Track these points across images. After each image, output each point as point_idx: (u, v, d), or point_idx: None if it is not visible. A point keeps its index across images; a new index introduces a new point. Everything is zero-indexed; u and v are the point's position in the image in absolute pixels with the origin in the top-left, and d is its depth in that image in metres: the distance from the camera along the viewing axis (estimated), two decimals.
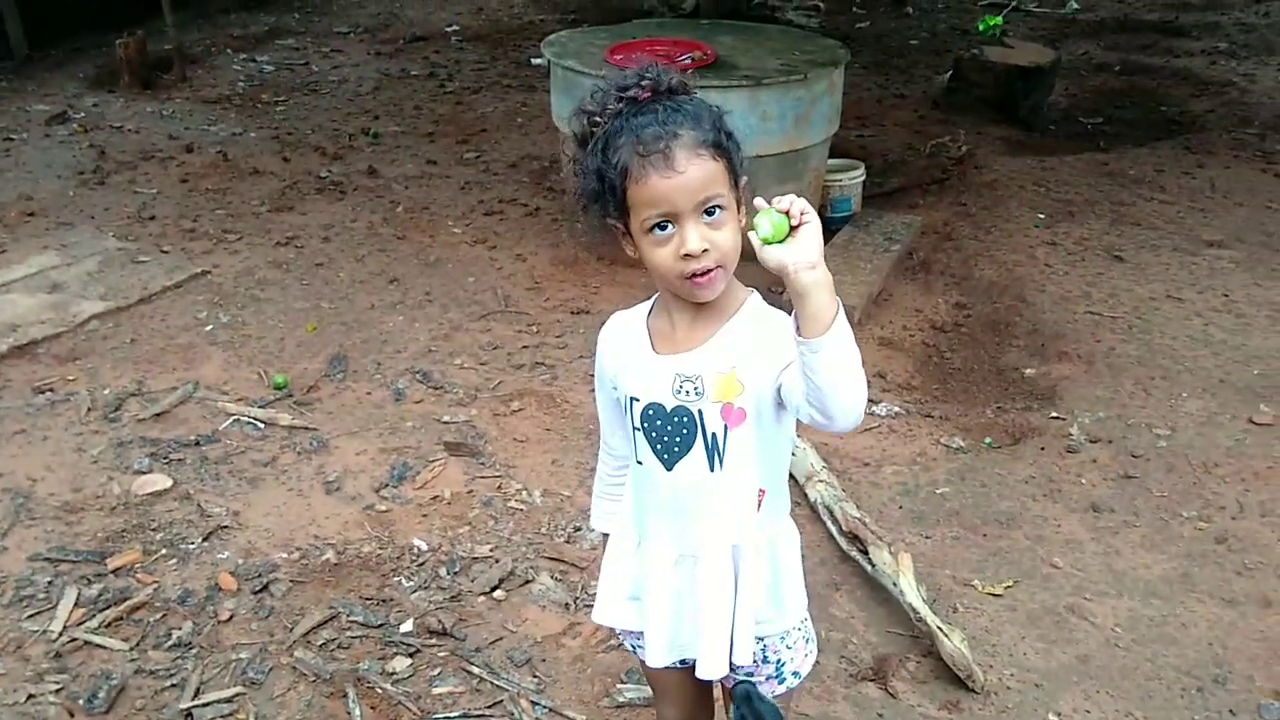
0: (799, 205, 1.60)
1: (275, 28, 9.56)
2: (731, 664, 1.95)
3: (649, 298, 1.95)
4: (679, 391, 1.83)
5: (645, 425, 1.88)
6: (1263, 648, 3.12)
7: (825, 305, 1.57)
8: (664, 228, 1.72)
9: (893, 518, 3.62)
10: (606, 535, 2.15)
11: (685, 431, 1.84)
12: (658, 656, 2.00)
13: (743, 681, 1.95)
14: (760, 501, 1.90)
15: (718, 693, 2.23)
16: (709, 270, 1.73)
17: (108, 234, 5.53)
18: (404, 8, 10.28)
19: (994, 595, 3.30)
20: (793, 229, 1.59)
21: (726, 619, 1.91)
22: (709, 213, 1.71)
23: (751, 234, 1.61)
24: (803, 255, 1.57)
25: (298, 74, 8.35)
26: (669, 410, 1.84)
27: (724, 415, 1.81)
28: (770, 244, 1.59)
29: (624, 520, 2.06)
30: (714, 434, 1.82)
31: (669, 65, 1.81)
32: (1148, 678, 3.01)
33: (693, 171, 1.69)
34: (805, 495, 3.58)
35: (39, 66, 8.27)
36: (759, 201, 1.61)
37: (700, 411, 1.82)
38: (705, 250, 1.71)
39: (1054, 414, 4.17)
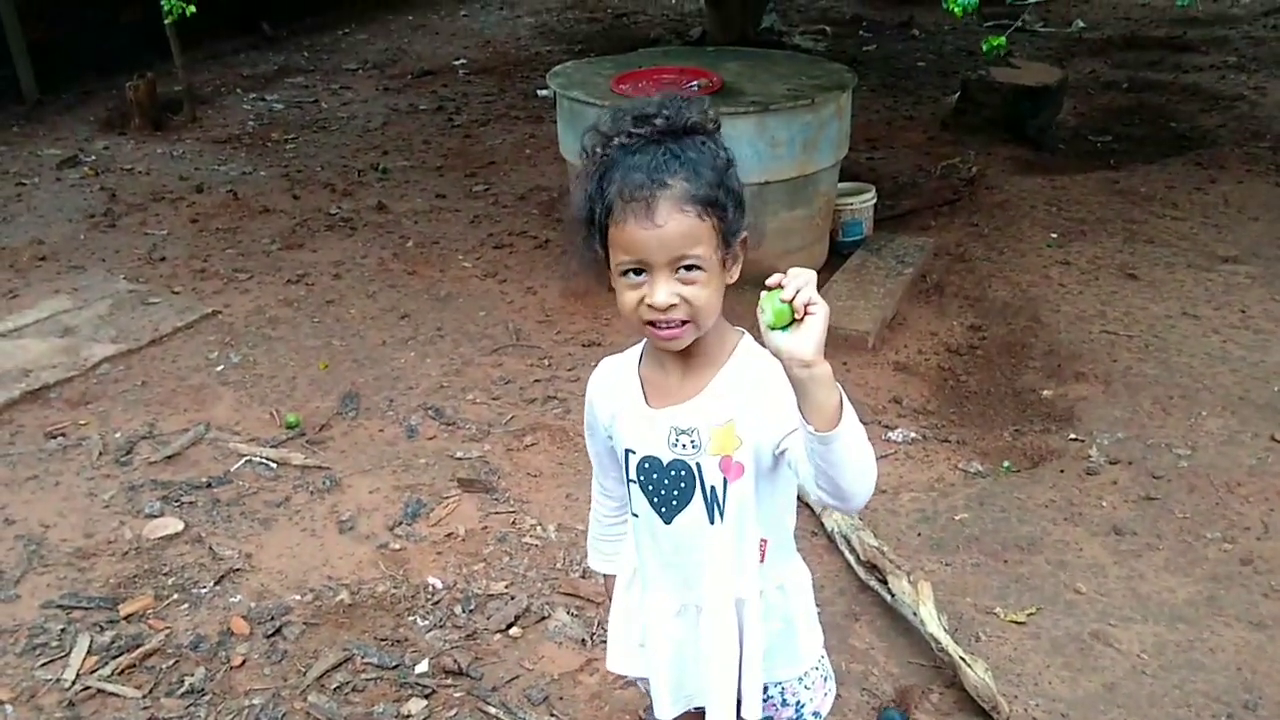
0: (805, 296, 1.48)
1: (284, 66, 9.60)
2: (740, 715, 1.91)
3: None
4: (675, 445, 1.78)
5: (641, 478, 1.84)
6: None
7: (825, 399, 1.49)
8: (638, 274, 1.67)
9: (911, 545, 3.57)
10: (606, 575, 2.12)
11: (683, 485, 1.80)
12: (664, 708, 1.96)
13: None
14: (764, 552, 1.86)
15: None
16: (672, 323, 1.68)
17: (119, 276, 5.54)
18: (411, 43, 10.33)
19: (1016, 623, 3.24)
20: (796, 319, 1.49)
21: (733, 671, 1.87)
22: (685, 268, 1.65)
23: (759, 313, 1.52)
24: (799, 350, 1.47)
25: (307, 112, 8.38)
26: (665, 464, 1.80)
27: (723, 469, 1.77)
28: (773, 329, 1.50)
29: (627, 565, 2.02)
30: (713, 487, 1.79)
31: (691, 99, 1.74)
32: (1176, 705, 2.95)
33: (672, 227, 1.63)
34: (822, 525, 3.55)
35: (49, 110, 8.32)
36: (774, 278, 1.51)
37: (698, 465, 1.78)
38: (673, 306, 1.65)
39: (1073, 435, 4.13)
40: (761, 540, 1.85)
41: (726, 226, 1.68)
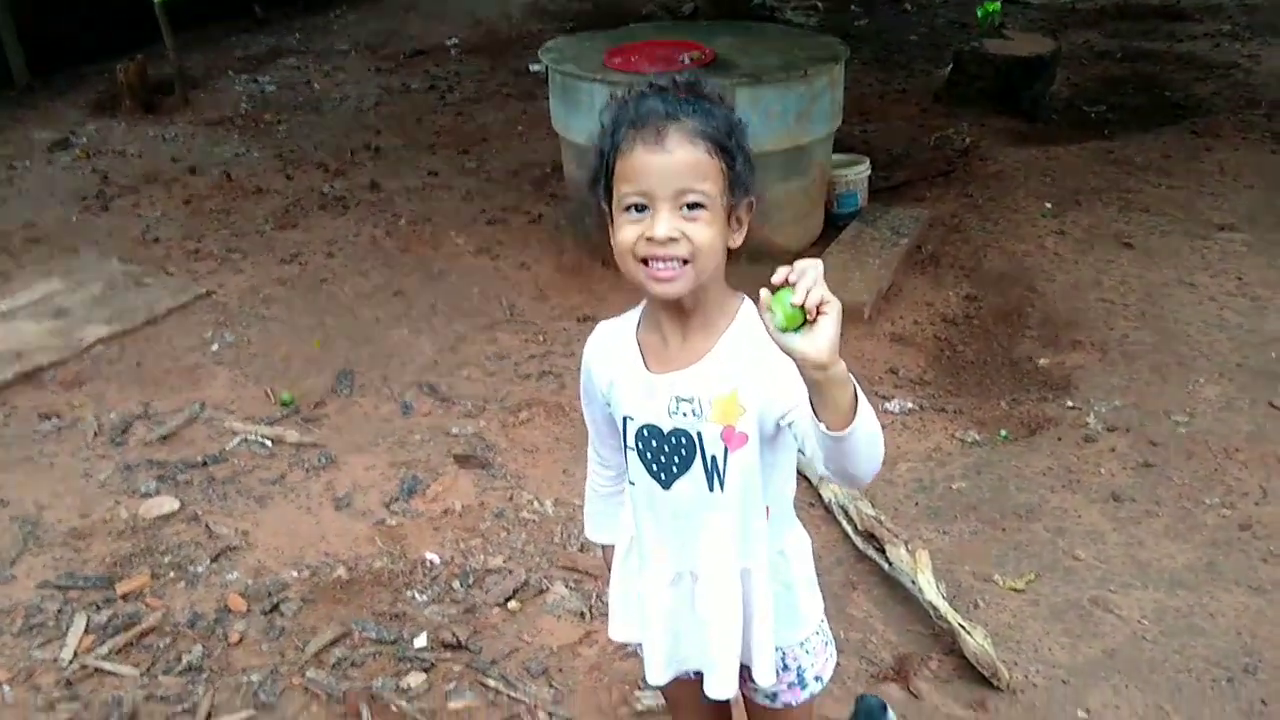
0: (816, 296, 1.40)
1: (276, 48, 9.54)
2: (753, 679, 1.90)
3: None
4: (676, 413, 1.74)
5: (640, 446, 1.81)
6: None
7: (840, 398, 1.45)
8: (640, 209, 1.62)
9: (909, 515, 3.56)
10: (604, 546, 2.10)
11: (684, 453, 1.77)
12: (656, 673, 1.94)
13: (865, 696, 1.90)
14: (767, 518, 1.84)
15: (736, 699, 2.17)
16: (671, 264, 1.63)
17: (112, 258, 5.51)
18: (403, 23, 10.26)
19: (1015, 590, 3.24)
20: (808, 320, 1.41)
21: (734, 641, 1.85)
22: (690, 206, 1.61)
23: (766, 315, 1.43)
24: (813, 354, 1.40)
25: (299, 93, 8.33)
26: (666, 432, 1.77)
27: (725, 438, 1.73)
28: (784, 330, 1.42)
29: (625, 534, 2.00)
30: (713, 456, 1.75)
31: (699, 77, 1.71)
32: (1177, 670, 2.95)
33: (680, 155, 1.59)
34: (820, 495, 3.54)
35: (41, 94, 8.27)
36: (780, 274, 1.43)
37: (699, 434, 1.74)
38: (673, 240, 1.60)
39: (1070, 404, 4.12)
40: (764, 507, 1.83)
41: (734, 175, 1.64)
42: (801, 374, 1.46)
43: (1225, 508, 3.55)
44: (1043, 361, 4.42)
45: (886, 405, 4.06)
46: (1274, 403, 4.06)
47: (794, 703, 2.00)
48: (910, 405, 4.11)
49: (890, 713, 1.89)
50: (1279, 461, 3.75)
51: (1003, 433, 3.96)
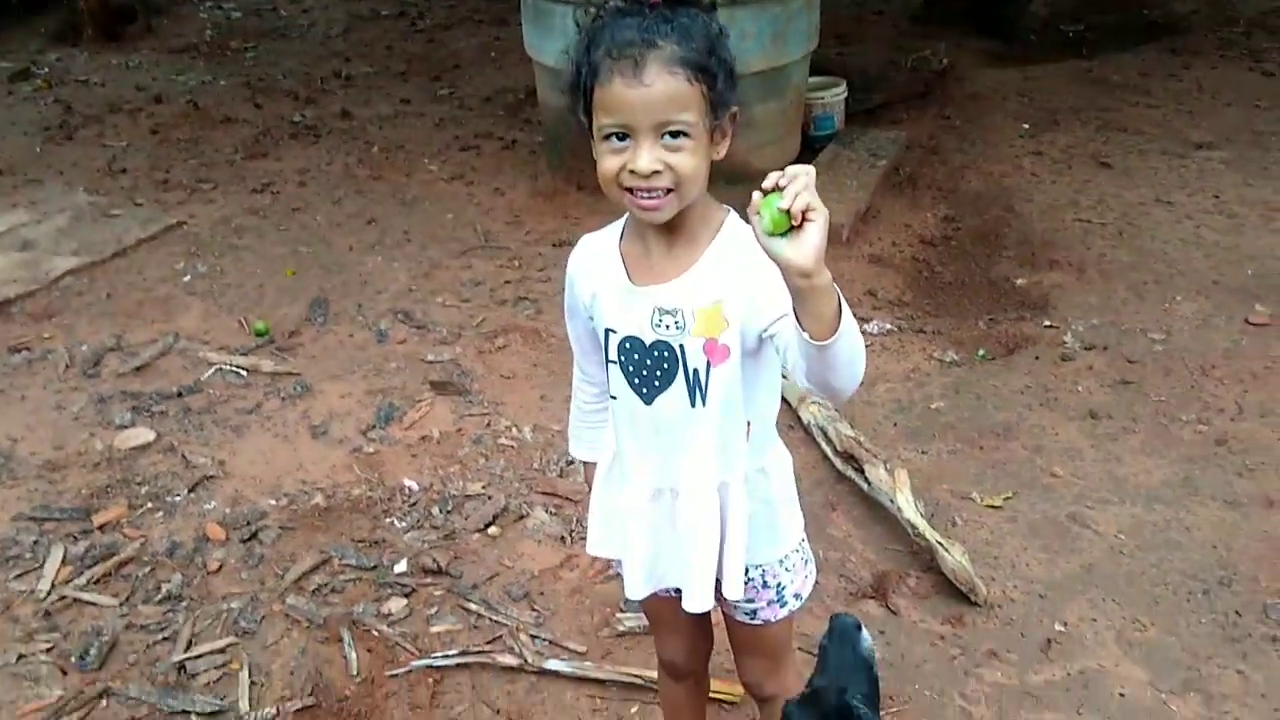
0: (803, 201, 1.37)
1: None
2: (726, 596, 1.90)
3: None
4: (658, 325, 1.72)
5: (622, 359, 1.78)
6: (1267, 548, 3.08)
7: (824, 308, 1.43)
8: (621, 139, 1.60)
9: (888, 435, 3.57)
10: (586, 464, 2.09)
11: (665, 367, 1.75)
12: (635, 588, 1.93)
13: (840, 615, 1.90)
14: (747, 434, 1.83)
15: (717, 618, 2.17)
16: (655, 194, 1.60)
17: (78, 189, 5.43)
18: None
19: (993, 507, 3.25)
20: (794, 226, 1.39)
21: (711, 555, 1.84)
22: (671, 135, 1.58)
23: (755, 219, 1.41)
24: (798, 259, 1.38)
25: (266, 20, 8.19)
26: (648, 345, 1.74)
27: (707, 351, 1.71)
28: (772, 235, 1.39)
29: (607, 451, 1.98)
30: (695, 370, 1.73)
31: None
32: (1153, 583, 2.97)
33: (659, 87, 1.56)
34: (799, 417, 3.53)
35: None
36: (770, 179, 1.40)
37: (681, 347, 1.72)
38: (656, 173, 1.58)
39: (1047, 323, 4.11)
40: (746, 423, 1.81)
41: (716, 95, 1.61)
42: (786, 281, 1.43)
43: (1201, 424, 3.57)
44: (1020, 281, 4.41)
45: (865, 326, 4.05)
46: (1250, 319, 4.07)
47: (773, 620, 2.00)
48: (889, 326, 4.10)
49: (864, 631, 1.89)
50: (1254, 378, 3.76)
51: (981, 352, 3.95)
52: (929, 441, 3.54)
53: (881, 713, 1.82)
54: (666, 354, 1.74)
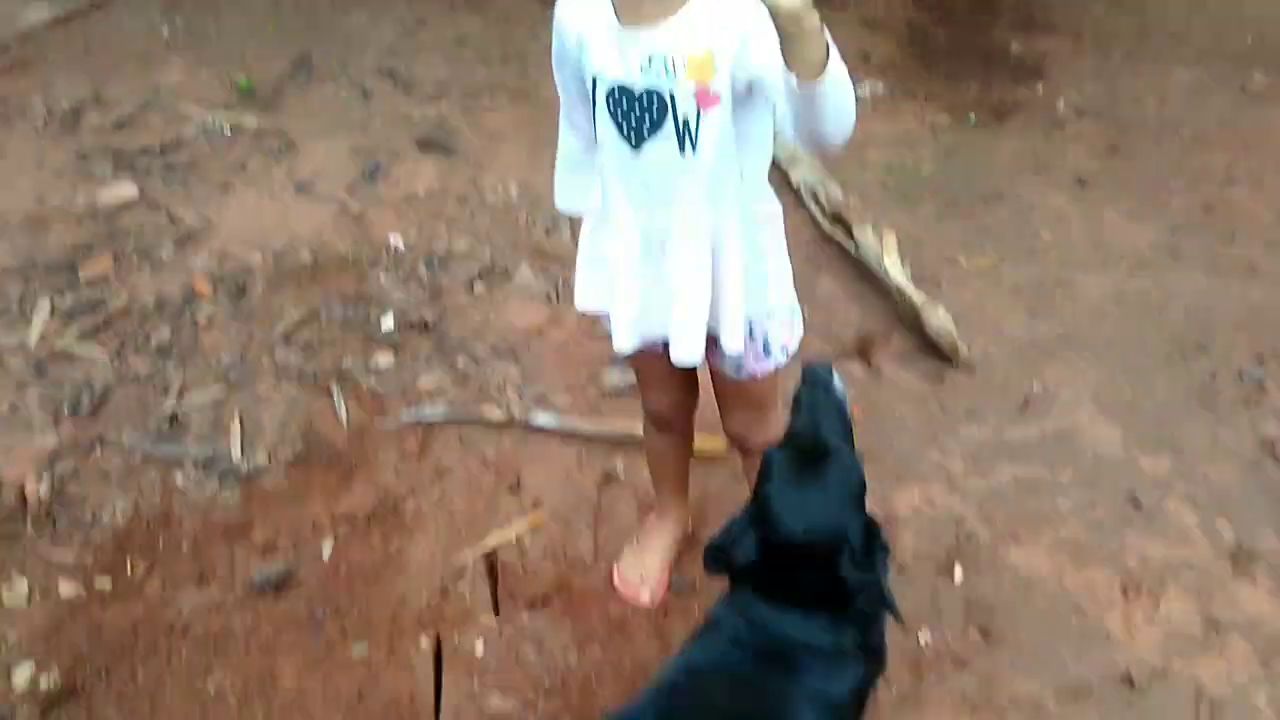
0: None
1: None
2: (721, 346, 1.90)
3: None
4: (648, 70, 1.68)
5: (610, 106, 1.75)
6: (1246, 314, 3.11)
7: (813, 53, 1.40)
8: None
9: (877, 198, 3.55)
10: (574, 218, 2.07)
11: (655, 113, 1.71)
12: (623, 340, 1.94)
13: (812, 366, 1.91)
14: (739, 183, 1.80)
15: (704, 377, 2.19)
16: None
17: None
18: None
19: (979, 271, 3.26)
20: None
21: (701, 305, 1.85)
22: None
23: None
24: (786, 2, 1.35)
25: None
26: (637, 93, 1.71)
27: (697, 98, 1.68)
28: None
29: (595, 204, 1.96)
30: (685, 117, 1.70)
31: None
32: (1132, 347, 3.01)
33: None
34: (788, 178, 3.50)
35: None
36: None
37: (672, 93, 1.68)
38: None
39: (1040, 89, 4.04)
40: (738, 172, 1.79)
41: None
42: (775, 25, 1.40)
43: (1190, 191, 3.55)
44: (1015, 46, 4.32)
45: (857, 90, 3.96)
46: (1246, 87, 4.01)
47: (759, 373, 2.03)
48: (881, 90, 4.03)
49: (836, 376, 1.91)
50: (1246, 147, 3.73)
51: (971, 117, 3.90)
52: (918, 205, 3.53)
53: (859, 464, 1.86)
54: (656, 101, 1.70)
